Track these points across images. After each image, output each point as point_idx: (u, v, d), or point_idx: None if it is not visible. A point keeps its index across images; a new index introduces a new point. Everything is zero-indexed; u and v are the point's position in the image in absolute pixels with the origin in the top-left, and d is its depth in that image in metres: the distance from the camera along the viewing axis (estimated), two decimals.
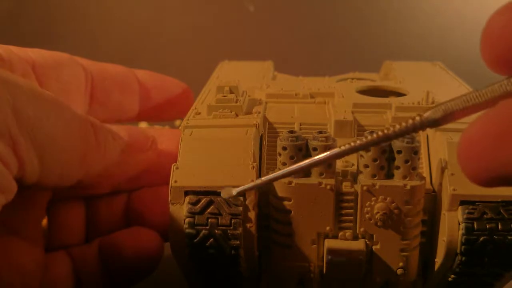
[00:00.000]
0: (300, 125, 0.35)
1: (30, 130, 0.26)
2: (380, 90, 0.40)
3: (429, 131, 0.34)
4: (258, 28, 0.76)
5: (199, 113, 0.35)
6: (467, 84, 0.44)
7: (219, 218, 0.30)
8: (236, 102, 0.35)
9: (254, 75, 0.46)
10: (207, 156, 0.31)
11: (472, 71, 0.46)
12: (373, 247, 0.31)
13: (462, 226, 0.29)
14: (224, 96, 0.35)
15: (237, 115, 0.35)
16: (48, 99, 0.28)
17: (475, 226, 0.29)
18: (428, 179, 0.32)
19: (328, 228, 0.31)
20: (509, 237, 0.29)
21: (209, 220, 0.30)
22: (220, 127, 0.33)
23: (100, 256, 0.35)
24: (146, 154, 0.34)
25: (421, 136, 0.34)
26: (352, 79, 0.45)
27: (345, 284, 0.32)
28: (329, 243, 0.31)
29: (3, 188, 0.25)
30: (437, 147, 0.32)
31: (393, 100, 0.36)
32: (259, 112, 0.35)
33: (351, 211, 0.31)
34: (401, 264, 0.31)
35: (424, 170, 0.33)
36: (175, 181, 0.30)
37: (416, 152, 0.29)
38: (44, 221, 0.36)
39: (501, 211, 0.29)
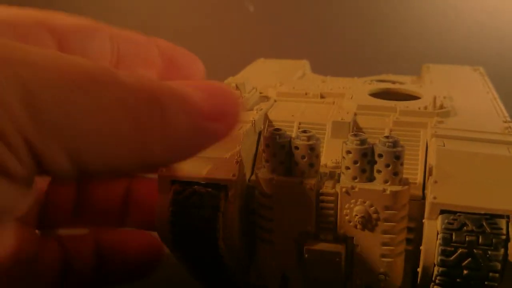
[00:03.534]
0: (299, 124, 0.35)
1: (50, 125, 0.20)
2: (394, 93, 0.40)
3: (427, 136, 0.33)
4: (292, 26, 0.75)
5: None
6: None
7: (200, 210, 0.31)
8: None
9: (283, 73, 0.46)
10: None
11: None
12: (354, 250, 0.31)
13: (439, 236, 0.28)
14: None
15: None
16: (76, 73, 0.21)
17: (453, 237, 0.28)
18: (422, 186, 0.32)
19: (309, 227, 0.31)
20: (489, 252, 0.27)
21: (192, 210, 0.31)
22: None
23: (97, 252, 0.35)
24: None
25: (420, 141, 0.33)
26: (381, 80, 0.44)
27: (327, 285, 0.32)
28: (308, 243, 0.31)
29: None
30: (430, 153, 0.31)
31: (399, 104, 0.36)
32: (261, 109, 0.36)
33: (332, 212, 0.30)
34: (381, 269, 0.31)
35: (418, 176, 0.32)
36: (162, 170, 0.32)
37: (397, 157, 0.29)
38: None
39: (484, 224, 0.28)
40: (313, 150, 0.30)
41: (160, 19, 0.85)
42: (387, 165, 0.29)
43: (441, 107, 0.35)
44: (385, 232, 0.30)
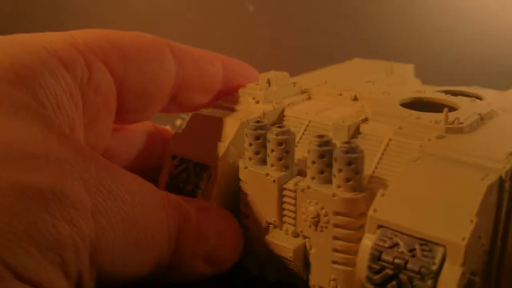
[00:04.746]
0: (309, 122, 0.35)
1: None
2: (430, 102, 0.36)
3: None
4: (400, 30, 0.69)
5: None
6: None
7: (186, 185, 0.34)
8: (261, 91, 0.38)
9: (360, 74, 0.46)
10: (201, 131, 0.35)
11: None
12: (310, 250, 0.31)
13: (369, 251, 0.27)
14: (257, 84, 0.38)
15: (257, 102, 0.37)
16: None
17: (382, 255, 0.26)
18: None
19: (273, 219, 0.32)
20: (415, 281, 0.25)
21: (179, 184, 0.35)
22: (231, 111, 0.37)
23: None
24: None
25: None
26: (455, 91, 0.41)
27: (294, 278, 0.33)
28: (270, 234, 0.32)
29: None
30: None
31: (412, 114, 0.33)
32: (280, 103, 0.37)
33: (293, 207, 0.31)
34: (332, 276, 0.30)
35: None
36: (168, 146, 0.36)
37: (350, 163, 0.28)
38: None
39: (416, 248, 0.25)
40: (281, 145, 0.31)
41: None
42: (340, 170, 0.28)
43: (454, 122, 0.31)
44: (336, 238, 0.29)
